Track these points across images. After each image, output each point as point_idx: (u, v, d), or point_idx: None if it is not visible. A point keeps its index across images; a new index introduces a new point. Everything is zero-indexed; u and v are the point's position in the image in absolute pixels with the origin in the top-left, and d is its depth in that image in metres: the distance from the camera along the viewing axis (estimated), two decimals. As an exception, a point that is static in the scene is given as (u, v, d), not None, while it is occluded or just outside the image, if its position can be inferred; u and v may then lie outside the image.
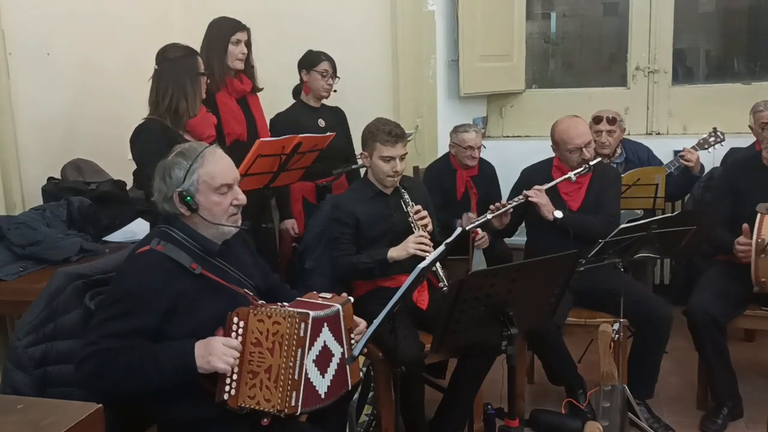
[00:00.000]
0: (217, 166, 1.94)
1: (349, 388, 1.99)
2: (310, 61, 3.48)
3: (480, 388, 2.68)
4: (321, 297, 2.00)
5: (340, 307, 1.94)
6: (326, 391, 1.88)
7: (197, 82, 2.73)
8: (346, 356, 1.94)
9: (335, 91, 3.54)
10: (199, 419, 1.85)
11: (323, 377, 1.87)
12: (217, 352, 1.75)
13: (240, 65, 3.22)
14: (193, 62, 2.74)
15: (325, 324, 1.89)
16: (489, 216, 3.00)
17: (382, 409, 2.59)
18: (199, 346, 1.77)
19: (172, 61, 2.71)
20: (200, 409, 1.83)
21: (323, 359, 1.88)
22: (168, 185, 1.92)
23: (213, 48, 3.17)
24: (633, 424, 2.77)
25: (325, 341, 1.89)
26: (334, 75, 3.50)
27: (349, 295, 2.80)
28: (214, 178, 1.92)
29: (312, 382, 1.83)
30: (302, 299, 1.99)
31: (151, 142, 2.61)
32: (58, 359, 1.92)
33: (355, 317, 2.05)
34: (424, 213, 2.73)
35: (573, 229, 2.91)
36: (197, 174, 1.90)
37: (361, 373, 2.11)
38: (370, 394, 2.74)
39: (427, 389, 2.71)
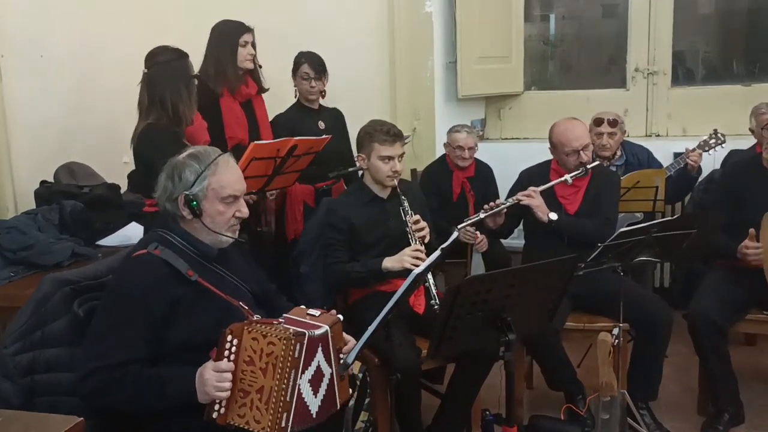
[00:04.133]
0: (229, 176, 1.92)
1: (338, 407, 1.92)
2: (295, 64, 3.45)
3: (478, 394, 2.65)
4: (309, 315, 1.90)
5: (328, 328, 1.85)
6: (317, 410, 1.84)
7: (191, 86, 2.69)
8: (334, 376, 1.87)
9: (322, 93, 3.46)
10: (189, 429, 1.81)
11: (315, 397, 1.83)
12: (210, 384, 1.71)
13: (250, 65, 3.22)
14: (185, 66, 2.70)
15: (320, 345, 1.84)
16: (482, 215, 2.98)
17: (379, 416, 2.56)
18: (197, 382, 1.74)
19: (163, 65, 2.67)
20: (190, 420, 1.79)
21: (316, 379, 1.84)
22: (175, 185, 1.89)
23: (224, 52, 3.16)
24: (633, 430, 2.73)
25: (319, 362, 1.84)
26: (319, 77, 3.42)
27: (344, 300, 2.80)
28: (224, 187, 1.90)
29: (306, 402, 1.79)
30: (289, 316, 1.88)
31: (165, 145, 2.48)
32: (46, 367, 1.88)
33: (344, 335, 1.96)
34: (423, 224, 2.70)
35: (567, 232, 2.88)
36: (208, 181, 1.88)
37: (350, 390, 2.04)
38: (367, 400, 2.70)
39: (424, 395, 2.68)
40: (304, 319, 1.87)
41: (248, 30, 3.21)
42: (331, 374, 1.87)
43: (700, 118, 4.14)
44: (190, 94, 2.68)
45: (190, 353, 1.80)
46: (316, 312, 1.90)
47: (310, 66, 3.41)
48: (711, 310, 2.76)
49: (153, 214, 2.55)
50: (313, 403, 1.82)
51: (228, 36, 3.17)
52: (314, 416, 1.82)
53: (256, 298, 2.03)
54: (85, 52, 3.57)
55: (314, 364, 1.81)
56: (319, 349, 1.83)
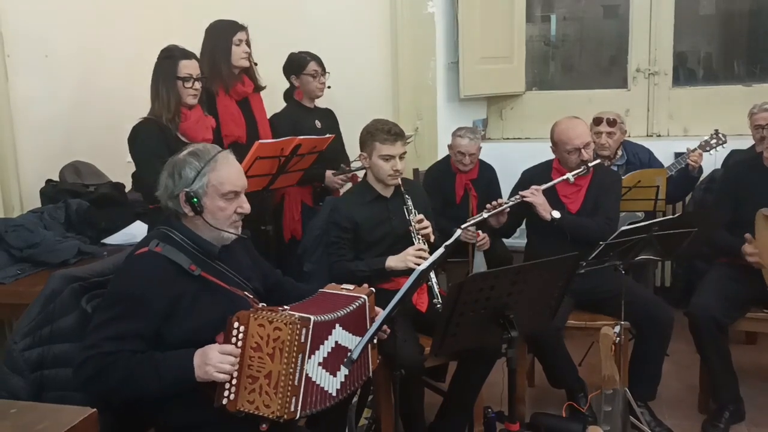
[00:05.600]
0: (228, 172, 1.94)
1: (370, 374, 2.04)
2: (297, 65, 3.47)
3: (480, 392, 2.67)
4: (344, 288, 2.03)
5: (366, 298, 1.99)
6: (339, 388, 1.89)
7: (172, 87, 2.76)
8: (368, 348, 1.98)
9: (329, 87, 3.52)
10: (196, 423, 1.83)
11: (334, 376, 1.88)
12: (212, 362, 1.73)
13: (245, 63, 3.25)
14: (170, 66, 2.77)
15: (337, 324, 1.89)
16: (485, 215, 2.99)
17: (382, 413, 2.58)
18: (197, 356, 1.76)
19: (157, 62, 2.80)
20: (198, 414, 1.81)
21: (334, 359, 1.87)
22: (176, 183, 1.91)
23: (218, 50, 3.18)
24: (634, 428, 2.75)
25: (336, 341, 1.89)
26: (324, 72, 3.48)
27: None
28: (224, 183, 1.91)
29: (318, 385, 1.83)
30: (325, 290, 2.04)
31: (149, 142, 2.69)
32: (54, 362, 1.90)
33: (375, 307, 2.08)
34: (426, 224, 2.72)
35: (569, 231, 2.90)
36: (207, 177, 1.90)
37: (378, 359, 2.13)
38: (370, 397, 2.72)
39: (426, 392, 2.70)
40: (340, 292, 2.00)
41: (242, 28, 3.23)
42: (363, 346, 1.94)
43: (701, 119, 4.16)
44: (169, 94, 2.75)
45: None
46: (350, 286, 2.04)
47: (317, 63, 3.45)
48: (712, 308, 2.78)
49: (158, 213, 2.58)
50: (332, 383, 1.87)
51: (222, 35, 3.20)
52: (334, 395, 1.87)
53: (260, 295, 2.05)
54: (90, 52, 3.59)
55: (326, 346, 1.85)
56: (337, 327, 1.88)
